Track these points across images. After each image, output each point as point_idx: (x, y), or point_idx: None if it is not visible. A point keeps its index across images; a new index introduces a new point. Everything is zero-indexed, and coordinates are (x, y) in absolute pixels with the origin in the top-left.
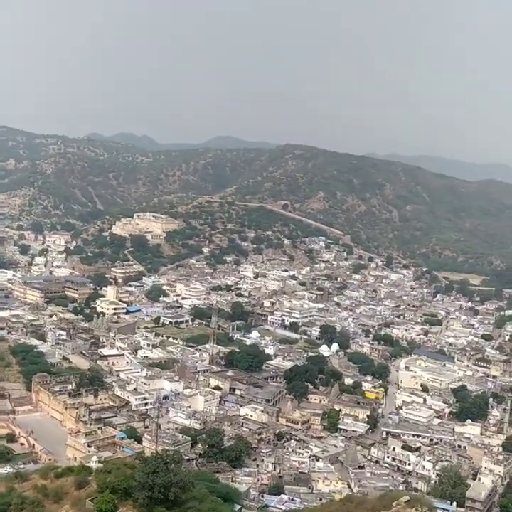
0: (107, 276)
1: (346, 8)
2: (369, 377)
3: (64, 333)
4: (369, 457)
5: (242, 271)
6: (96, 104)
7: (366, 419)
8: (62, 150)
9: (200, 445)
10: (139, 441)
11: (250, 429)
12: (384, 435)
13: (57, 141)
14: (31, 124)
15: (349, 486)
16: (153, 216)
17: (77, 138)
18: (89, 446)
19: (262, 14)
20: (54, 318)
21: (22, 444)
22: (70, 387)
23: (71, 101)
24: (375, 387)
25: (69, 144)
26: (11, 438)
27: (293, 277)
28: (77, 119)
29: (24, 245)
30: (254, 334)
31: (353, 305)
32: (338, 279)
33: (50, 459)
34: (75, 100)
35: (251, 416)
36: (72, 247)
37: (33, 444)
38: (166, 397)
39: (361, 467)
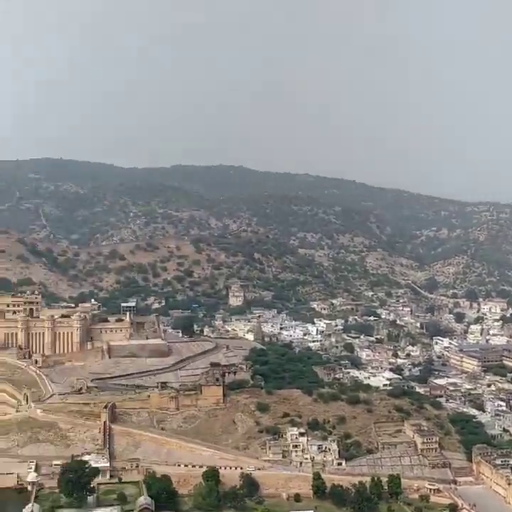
0: None
1: None
2: None
3: (503, 403)
4: None
5: None
6: None
7: None
8: (494, 216)
9: None
10: None
11: None
12: None
13: (489, 207)
14: (461, 193)
15: None
16: None
17: (509, 203)
18: None
19: None
20: (492, 387)
21: None
22: None
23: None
24: None
25: (501, 210)
26: (453, 508)
27: None
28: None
29: (459, 313)
30: None
31: None
32: None
33: None
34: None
35: None
36: (508, 315)
37: None
38: None
39: None
